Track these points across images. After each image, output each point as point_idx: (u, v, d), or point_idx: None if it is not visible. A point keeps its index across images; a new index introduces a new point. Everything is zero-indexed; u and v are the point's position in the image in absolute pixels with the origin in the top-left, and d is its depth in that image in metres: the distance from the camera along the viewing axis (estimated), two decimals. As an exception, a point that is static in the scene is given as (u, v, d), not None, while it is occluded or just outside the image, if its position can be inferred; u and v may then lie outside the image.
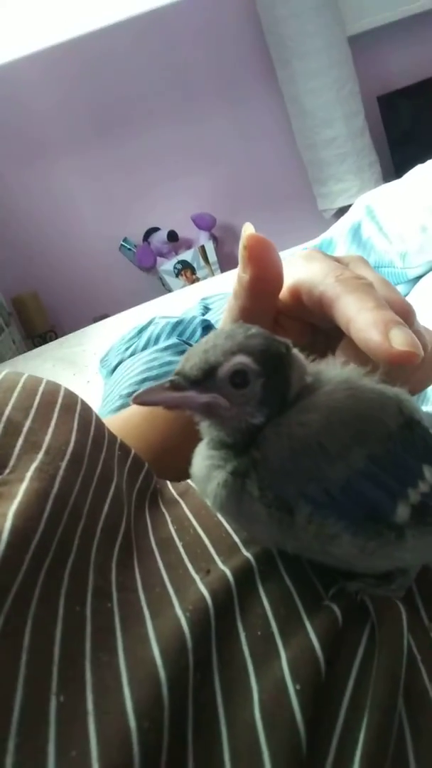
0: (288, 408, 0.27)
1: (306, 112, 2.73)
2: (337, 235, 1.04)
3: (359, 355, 0.31)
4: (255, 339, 0.27)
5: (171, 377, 0.27)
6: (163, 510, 0.37)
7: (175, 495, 0.39)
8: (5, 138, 3.01)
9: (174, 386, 0.27)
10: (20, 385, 0.37)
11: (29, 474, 0.29)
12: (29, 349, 2.51)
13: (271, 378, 0.27)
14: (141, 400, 0.26)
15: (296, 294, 0.36)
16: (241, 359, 0.26)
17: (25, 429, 0.33)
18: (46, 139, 3.05)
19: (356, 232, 1.01)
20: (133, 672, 0.24)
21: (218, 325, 1.03)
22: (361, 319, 0.30)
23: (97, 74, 2.95)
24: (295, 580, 0.29)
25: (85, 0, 2.74)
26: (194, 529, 0.33)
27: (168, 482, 0.42)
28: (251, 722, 0.23)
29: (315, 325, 0.38)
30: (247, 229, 0.35)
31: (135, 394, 0.26)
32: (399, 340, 0.29)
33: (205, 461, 0.29)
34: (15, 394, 0.35)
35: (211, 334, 0.28)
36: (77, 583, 0.27)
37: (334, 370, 0.29)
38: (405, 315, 0.31)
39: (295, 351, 0.29)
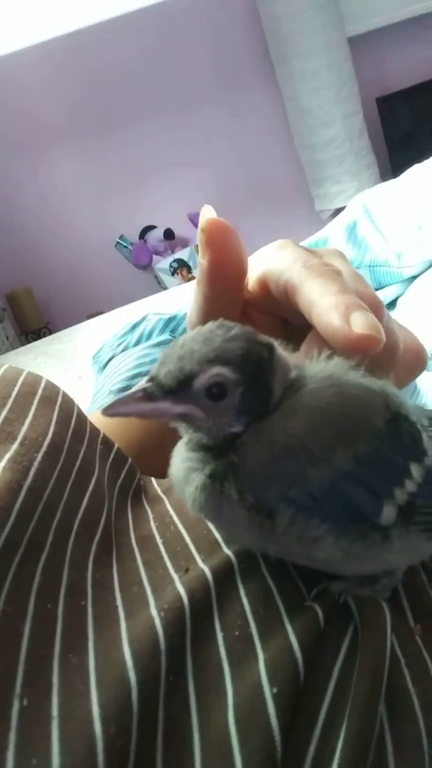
0: (270, 411, 0.26)
1: (304, 112, 2.72)
2: (333, 234, 1.03)
3: (325, 347, 0.29)
4: (234, 343, 0.25)
5: (144, 384, 0.25)
6: (146, 507, 0.36)
7: (159, 492, 0.38)
8: (1, 134, 2.99)
9: (147, 396, 0.25)
10: None
11: (2, 465, 0.28)
12: (23, 345, 2.50)
13: (252, 385, 0.25)
14: (112, 411, 0.25)
15: (264, 284, 0.34)
16: (218, 370, 0.25)
17: (0, 419, 0.32)
18: (42, 135, 3.03)
19: (352, 231, 1.00)
20: (102, 675, 0.23)
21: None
22: (322, 303, 0.29)
23: (95, 70, 2.93)
24: (277, 579, 0.28)
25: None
26: (175, 526, 0.32)
27: (153, 479, 0.41)
28: (224, 728, 0.22)
29: (288, 320, 0.36)
30: (206, 213, 0.33)
31: (105, 406, 0.25)
32: (359, 323, 0.27)
33: (183, 463, 0.27)
34: None
35: (189, 335, 0.26)
36: (50, 580, 0.26)
37: (317, 365, 0.28)
38: (375, 308, 0.30)
39: (279, 351, 0.27)
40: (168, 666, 0.24)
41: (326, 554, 0.26)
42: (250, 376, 0.25)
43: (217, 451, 0.26)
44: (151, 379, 0.26)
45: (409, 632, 0.28)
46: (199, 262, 0.34)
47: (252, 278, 0.35)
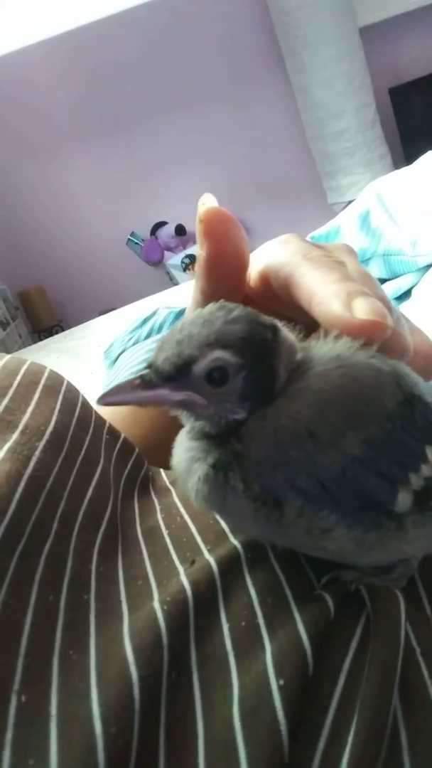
0: (275, 396, 0.24)
1: (316, 104, 2.70)
2: (345, 223, 1.01)
3: None
4: (236, 325, 0.24)
5: (142, 371, 0.24)
6: (154, 498, 0.35)
7: (167, 483, 0.37)
8: (12, 132, 3.00)
9: (144, 383, 0.24)
10: (0, 365, 0.35)
11: (1, 455, 0.28)
12: (36, 343, 2.51)
13: (255, 369, 0.24)
14: (107, 400, 0.24)
15: (266, 279, 0.32)
16: (219, 354, 0.23)
17: (0, 408, 0.31)
18: (53, 133, 3.04)
19: (365, 220, 0.98)
20: (102, 672, 0.22)
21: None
22: (322, 291, 0.27)
23: (104, 67, 2.93)
24: (285, 568, 0.27)
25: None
26: (181, 517, 0.32)
27: (162, 470, 0.40)
28: (229, 722, 0.21)
29: (291, 319, 0.35)
30: (205, 201, 0.31)
31: (101, 395, 0.24)
32: (362, 308, 0.25)
33: (185, 453, 0.26)
34: None
35: (188, 318, 0.25)
36: (53, 571, 0.25)
37: (324, 345, 0.26)
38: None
39: (284, 332, 0.26)
40: (170, 660, 0.23)
41: (337, 545, 0.24)
42: (252, 360, 0.24)
43: (220, 440, 0.25)
44: (149, 366, 0.24)
45: (426, 621, 0.27)
46: (197, 253, 0.32)
47: (253, 274, 0.33)
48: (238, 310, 0.25)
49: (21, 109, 2.96)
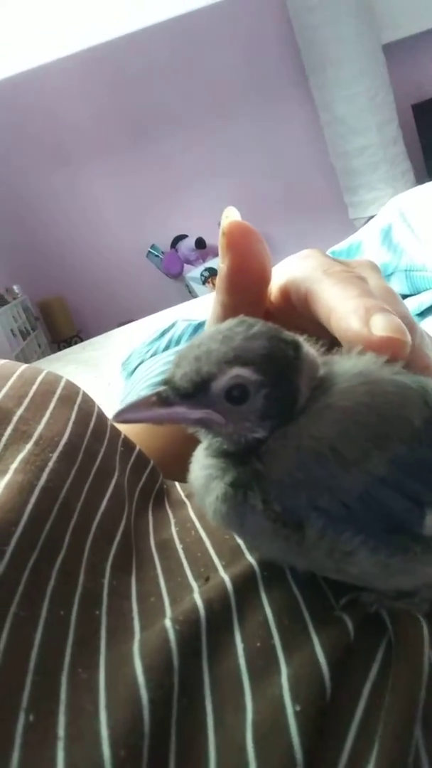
0: (298, 414, 0.24)
1: (338, 120, 2.71)
2: (367, 238, 1.01)
3: None
4: (256, 341, 0.23)
5: (158, 387, 0.23)
6: (168, 511, 0.34)
7: (182, 496, 0.36)
8: (36, 144, 3.05)
9: (161, 400, 0.23)
10: (17, 374, 0.35)
11: (14, 465, 0.27)
12: (54, 353, 2.53)
13: (276, 387, 0.23)
14: (123, 417, 0.23)
15: (286, 294, 0.32)
16: (239, 372, 0.23)
17: (15, 417, 0.30)
18: (76, 145, 3.08)
19: (387, 235, 0.98)
20: (111, 692, 0.21)
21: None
22: (340, 307, 0.26)
23: (128, 80, 2.97)
24: (303, 587, 0.26)
25: (116, 5, 2.76)
26: (196, 531, 0.31)
27: (177, 483, 0.39)
28: (242, 748, 0.21)
29: (312, 335, 0.34)
30: (228, 215, 0.31)
31: (117, 412, 0.23)
32: (380, 325, 0.25)
33: (202, 470, 0.25)
34: (9, 383, 0.33)
35: (207, 334, 0.24)
36: (65, 584, 0.25)
37: (348, 361, 0.25)
38: (408, 328, 0.27)
39: (306, 348, 0.25)
40: (181, 682, 0.22)
41: (361, 569, 0.23)
42: (273, 377, 0.23)
43: (239, 458, 0.24)
44: (166, 382, 0.23)
45: None
46: (219, 267, 0.32)
47: (275, 288, 0.33)
48: (258, 325, 0.24)
49: (45, 121, 3.01)
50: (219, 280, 0.32)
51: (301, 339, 0.25)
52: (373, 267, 0.34)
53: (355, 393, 0.24)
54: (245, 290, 0.32)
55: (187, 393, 0.23)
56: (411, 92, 2.87)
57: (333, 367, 0.25)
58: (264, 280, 0.32)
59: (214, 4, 2.70)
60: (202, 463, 0.25)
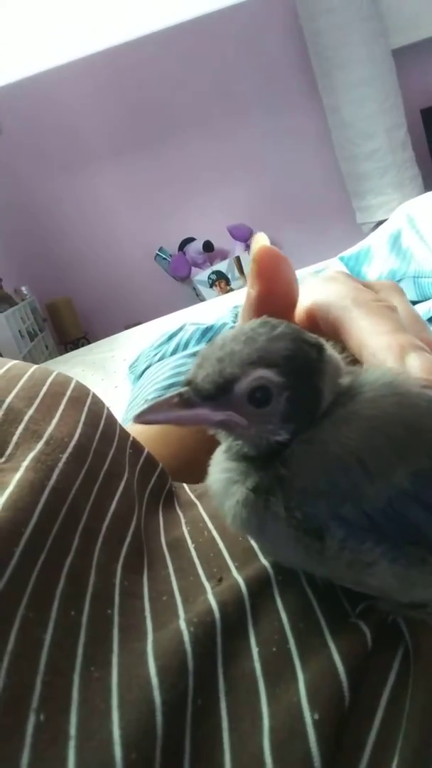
0: (321, 418, 0.23)
1: (347, 124, 2.71)
2: (376, 244, 1.01)
3: None
4: (279, 343, 0.23)
5: (180, 389, 0.23)
6: (179, 511, 0.34)
7: (192, 497, 0.36)
8: (45, 147, 3.06)
9: (183, 402, 0.23)
10: (27, 374, 0.35)
11: (25, 464, 0.27)
12: (62, 355, 2.53)
13: (299, 389, 0.23)
14: (145, 419, 0.23)
15: (312, 317, 0.32)
16: (262, 374, 0.22)
17: (26, 417, 0.31)
18: (83, 149, 3.09)
19: (396, 241, 0.98)
20: (124, 693, 0.21)
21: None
22: (374, 343, 0.26)
23: (137, 84, 2.98)
24: (317, 592, 0.26)
25: (127, 10, 2.77)
26: (209, 531, 0.31)
27: (185, 485, 0.39)
28: (259, 753, 0.20)
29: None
30: (259, 241, 0.31)
31: (138, 412, 0.23)
32: (415, 365, 0.25)
33: (222, 474, 0.25)
34: (20, 383, 0.33)
35: (230, 334, 0.24)
36: (75, 585, 0.25)
37: (376, 372, 0.25)
38: None
39: (330, 351, 0.25)
40: (196, 685, 0.22)
41: (380, 581, 0.23)
42: (296, 379, 0.23)
43: (261, 462, 0.24)
44: (188, 383, 0.23)
45: None
46: (248, 292, 0.32)
47: (300, 309, 0.33)
48: (282, 326, 0.24)
49: (55, 124, 3.02)
50: (247, 304, 0.32)
51: (325, 342, 0.25)
52: (398, 290, 0.34)
53: (383, 403, 0.23)
54: (273, 314, 0.32)
55: (209, 395, 0.23)
56: (420, 97, 2.87)
57: (360, 377, 0.25)
58: (292, 304, 0.32)
59: (225, 8, 2.71)
60: (222, 466, 0.25)
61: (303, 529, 0.23)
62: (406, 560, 0.23)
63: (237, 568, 0.28)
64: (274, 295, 0.32)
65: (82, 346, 2.67)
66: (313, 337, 0.24)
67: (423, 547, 0.23)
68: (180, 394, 0.23)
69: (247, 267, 3.16)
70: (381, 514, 0.22)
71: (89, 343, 2.83)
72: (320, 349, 0.24)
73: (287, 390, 0.23)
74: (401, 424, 0.23)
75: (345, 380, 0.25)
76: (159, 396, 0.86)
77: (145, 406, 0.23)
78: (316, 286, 0.32)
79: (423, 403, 0.24)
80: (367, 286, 0.33)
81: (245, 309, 0.33)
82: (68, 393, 0.35)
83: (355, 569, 0.23)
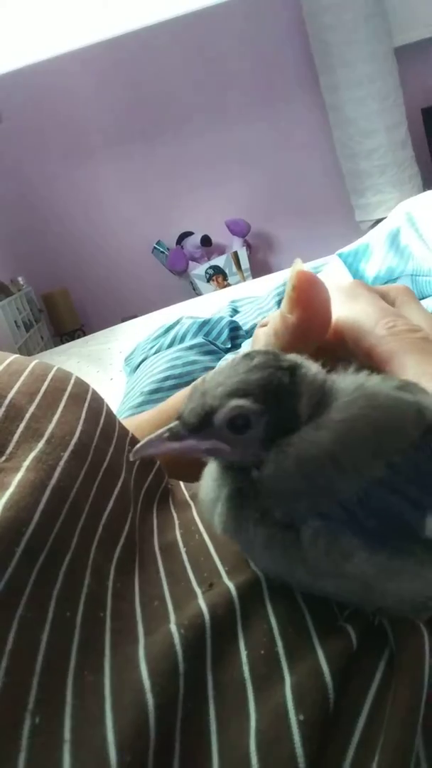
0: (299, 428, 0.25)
1: (348, 122, 2.70)
2: (374, 241, 1.01)
3: None
4: (255, 373, 0.25)
5: (171, 424, 0.26)
6: (173, 512, 0.34)
7: (187, 497, 0.36)
8: (44, 138, 3.05)
9: (173, 436, 0.25)
10: (28, 369, 0.35)
11: (26, 463, 0.27)
12: (57, 346, 2.53)
13: (276, 413, 0.25)
14: (141, 454, 0.25)
15: (340, 335, 0.33)
16: (237, 403, 0.24)
17: (27, 415, 0.31)
18: (83, 141, 3.08)
19: (394, 239, 0.98)
20: (117, 696, 0.21)
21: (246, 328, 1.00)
22: (427, 387, 0.28)
23: (138, 76, 2.97)
24: (306, 597, 0.26)
25: (128, 0, 2.75)
26: (200, 534, 0.31)
27: (181, 483, 0.39)
28: (245, 754, 0.21)
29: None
30: (297, 266, 0.32)
31: (135, 449, 0.25)
32: None
33: (213, 482, 0.27)
34: (21, 378, 0.33)
35: (216, 369, 0.27)
36: (71, 586, 0.25)
37: (347, 378, 0.27)
38: None
39: (305, 369, 0.26)
40: (186, 688, 0.22)
41: (360, 570, 0.24)
42: (272, 404, 0.25)
43: (241, 468, 0.26)
44: (178, 417, 0.26)
45: None
46: (284, 316, 0.33)
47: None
48: (258, 357, 0.26)
49: (53, 115, 3.01)
50: (283, 327, 0.33)
51: (301, 359, 0.26)
52: (411, 295, 0.35)
53: (353, 406, 0.25)
54: (309, 339, 0.33)
55: (194, 427, 0.25)
56: (421, 96, 2.87)
57: (336, 384, 0.26)
58: (327, 328, 0.33)
59: (229, 1, 2.70)
60: (213, 475, 0.27)
61: (278, 527, 0.24)
62: (387, 551, 0.24)
63: (227, 572, 0.28)
64: (313, 322, 0.33)
65: (78, 337, 2.67)
66: (287, 360, 0.26)
67: (411, 540, 0.24)
68: (170, 429, 0.25)
69: (244, 262, 3.16)
70: (360, 507, 0.23)
71: (85, 335, 2.82)
72: (293, 371, 0.26)
73: (264, 415, 0.25)
74: (370, 423, 0.25)
75: (324, 387, 0.26)
76: (155, 389, 0.87)
77: (141, 442, 0.25)
78: (341, 303, 0.34)
79: (390, 403, 0.25)
80: (381, 294, 0.34)
81: (279, 331, 0.34)
82: (68, 389, 0.35)
83: (333, 559, 0.23)
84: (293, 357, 0.26)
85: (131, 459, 0.25)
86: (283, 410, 0.25)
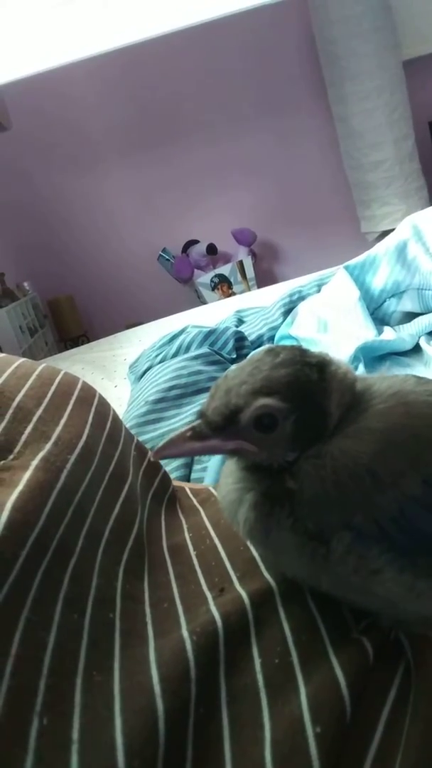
0: (333, 433, 0.24)
1: (355, 134, 2.71)
2: (381, 254, 1.01)
3: None
4: (281, 370, 0.24)
5: (193, 422, 0.25)
6: (181, 517, 0.34)
7: (195, 502, 0.37)
8: (51, 145, 3.06)
9: (196, 435, 0.24)
10: (36, 373, 0.35)
11: (35, 463, 0.27)
12: (61, 352, 2.53)
13: (304, 412, 0.24)
14: (163, 454, 0.25)
15: None
16: (264, 402, 0.23)
17: (35, 417, 0.31)
18: (89, 149, 3.09)
19: (401, 252, 0.98)
20: (127, 699, 0.21)
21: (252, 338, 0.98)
22: None
23: (145, 85, 2.98)
24: (320, 606, 0.26)
25: (140, 10, 2.77)
26: (211, 539, 0.31)
27: (186, 488, 0.39)
28: (260, 765, 0.20)
29: None
30: None
31: (156, 449, 0.24)
32: None
33: (235, 484, 0.26)
34: (29, 382, 0.33)
35: (239, 365, 0.25)
36: (78, 588, 0.25)
37: (383, 381, 0.26)
38: None
39: (335, 366, 0.25)
40: (198, 694, 0.22)
41: (386, 589, 0.23)
42: (300, 403, 0.24)
43: (270, 472, 0.25)
44: (201, 415, 0.25)
45: None
46: None
47: None
48: (284, 353, 0.25)
49: (60, 123, 3.02)
50: None
51: (330, 356, 0.25)
52: None
53: (393, 414, 0.24)
54: None
55: (218, 426, 0.24)
56: (428, 109, 2.88)
57: (371, 387, 0.25)
58: None
59: (239, 13, 2.71)
60: (235, 477, 0.26)
61: (309, 535, 0.23)
62: (416, 570, 0.23)
63: (239, 578, 0.28)
64: None
65: (82, 344, 2.67)
66: (315, 356, 0.25)
67: None
68: (193, 428, 0.24)
69: (250, 271, 3.15)
70: (392, 524, 0.22)
71: (89, 341, 2.82)
72: (322, 368, 0.24)
73: (292, 414, 0.24)
74: (411, 434, 0.24)
75: (355, 389, 0.25)
76: (160, 398, 0.86)
77: (162, 441, 0.24)
78: None
79: (430, 412, 0.24)
80: None
81: None
82: (75, 393, 0.35)
83: (360, 575, 0.23)
84: (321, 353, 0.25)
85: (152, 459, 0.25)
86: (312, 409, 0.24)
